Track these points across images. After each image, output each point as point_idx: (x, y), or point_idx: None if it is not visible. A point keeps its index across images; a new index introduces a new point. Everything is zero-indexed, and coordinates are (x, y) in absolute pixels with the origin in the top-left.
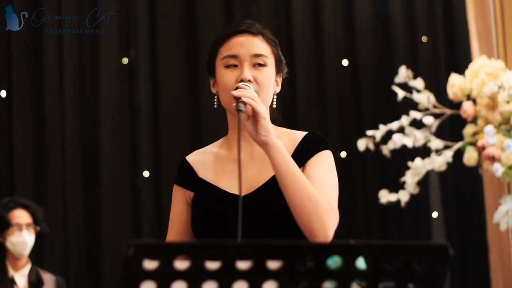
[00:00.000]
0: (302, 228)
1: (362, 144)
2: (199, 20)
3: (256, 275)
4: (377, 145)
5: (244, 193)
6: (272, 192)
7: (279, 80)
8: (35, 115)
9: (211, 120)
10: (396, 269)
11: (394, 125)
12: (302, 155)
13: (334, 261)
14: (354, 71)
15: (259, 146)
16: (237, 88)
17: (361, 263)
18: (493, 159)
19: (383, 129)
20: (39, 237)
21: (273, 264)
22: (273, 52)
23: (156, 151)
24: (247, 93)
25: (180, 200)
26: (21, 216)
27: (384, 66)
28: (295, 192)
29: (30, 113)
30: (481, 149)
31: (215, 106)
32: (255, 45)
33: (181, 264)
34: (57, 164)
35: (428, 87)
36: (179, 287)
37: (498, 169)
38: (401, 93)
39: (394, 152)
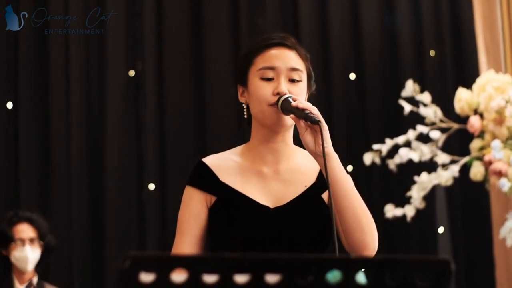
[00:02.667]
0: (351, 240)
1: (368, 158)
2: (206, 33)
3: None
4: (384, 159)
5: (273, 206)
6: (303, 207)
7: (306, 96)
8: (41, 128)
9: (218, 133)
10: (397, 284)
11: (400, 139)
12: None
13: (334, 276)
14: (361, 85)
15: (315, 157)
16: (279, 99)
17: (361, 277)
18: (500, 174)
19: (389, 143)
20: (46, 250)
21: (272, 278)
22: (306, 67)
23: (162, 164)
24: (308, 104)
25: (197, 203)
26: (24, 230)
27: (391, 80)
28: (351, 204)
29: (36, 126)
30: (487, 164)
31: (245, 116)
32: (291, 58)
33: (178, 277)
34: (62, 176)
35: (435, 101)
36: None
37: (505, 184)
38: (407, 107)
39: (400, 166)
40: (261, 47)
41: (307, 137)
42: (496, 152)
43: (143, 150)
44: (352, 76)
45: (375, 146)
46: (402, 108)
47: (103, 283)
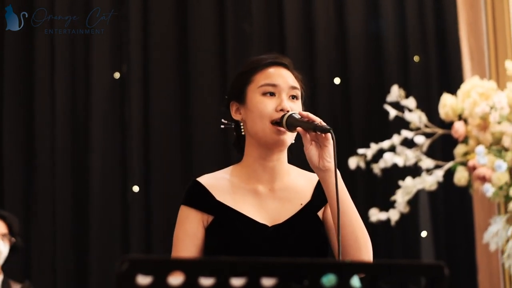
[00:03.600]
0: (347, 256)
1: (353, 162)
2: (191, 36)
3: None
4: (368, 163)
5: (270, 224)
6: (300, 225)
7: None
8: (25, 129)
9: (202, 136)
10: None
11: (385, 144)
12: (322, 197)
13: (329, 280)
14: (346, 90)
15: (318, 172)
16: (283, 116)
17: (355, 281)
18: (483, 179)
19: (374, 147)
20: (13, 249)
21: (267, 282)
22: (301, 87)
23: (147, 166)
24: (315, 116)
25: (193, 223)
26: None
27: (376, 85)
28: (350, 221)
29: (20, 127)
30: (472, 169)
31: (243, 133)
32: (290, 77)
33: (174, 280)
34: (46, 178)
35: (419, 106)
36: None
37: (489, 189)
38: (393, 112)
39: (383, 170)
40: (261, 66)
41: (312, 151)
42: (481, 157)
43: (128, 152)
44: (337, 80)
45: (360, 151)
46: (386, 113)
47: (87, 285)
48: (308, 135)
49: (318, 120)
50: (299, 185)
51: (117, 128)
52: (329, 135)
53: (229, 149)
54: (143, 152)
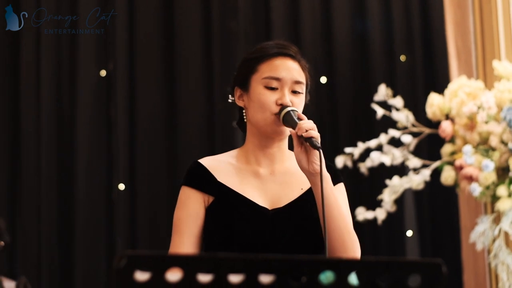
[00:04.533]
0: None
1: (340, 161)
2: (178, 34)
3: None
4: (355, 162)
5: (270, 207)
6: (300, 210)
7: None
8: (10, 127)
9: (188, 134)
10: (388, 286)
11: (372, 143)
12: None
13: (326, 277)
14: (332, 89)
15: (307, 175)
16: (282, 110)
17: (353, 279)
18: (470, 179)
19: (361, 146)
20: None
21: (265, 278)
22: (306, 78)
23: (132, 164)
24: (311, 125)
25: (195, 203)
26: None
27: (362, 84)
28: (337, 224)
29: (5, 125)
30: (459, 169)
31: (245, 120)
32: (295, 70)
33: (172, 276)
34: (31, 175)
35: (405, 105)
36: None
37: (476, 189)
38: (380, 111)
39: (369, 169)
40: (266, 55)
41: (301, 154)
42: (468, 157)
43: (114, 150)
44: (323, 79)
45: (347, 150)
46: (372, 112)
47: (72, 282)
48: (297, 139)
49: (312, 129)
50: (299, 170)
51: (103, 126)
52: (316, 152)
53: (215, 147)
54: (129, 150)
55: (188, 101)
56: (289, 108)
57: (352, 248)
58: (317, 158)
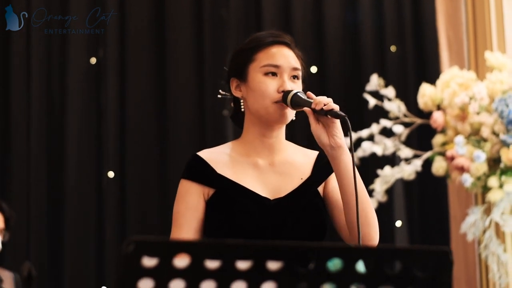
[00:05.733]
0: (355, 232)
1: None
2: (168, 22)
3: (256, 276)
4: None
5: (271, 198)
6: (300, 200)
7: None
8: (0, 114)
9: (178, 122)
10: (396, 273)
11: (364, 133)
12: (321, 172)
13: (334, 264)
14: (323, 78)
15: (328, 150)
16: (287, 95)
17: (361, 266)
18: (462, 169)
19: (353, 136)
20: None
21: (273, 265)
22: (302, 67)
23: (122, 152)
24: (328, 98)
25: (194, 196)
26: None
27: (353, 74)
28: (361, 198)
29: None
30: (450, 159)
31: (242, 109)
32: (292, 57)
33: (180, 262)
34: (21, 163)
35: (396, 96)
36: (177, 286)
37: (467, 180)
38: (372, 101)
39: (360, 159)
40: (263, 44)
41: (319, 130)
42: (459, 147)
43: (104, 137)
44: (314, 69)
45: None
46: (363, 102)
47: (61, 270)
48: (313, 116)
49: (329, 102)
50: (298, 160)
51: (92, 113)
52: (337, 125)
53: (205, 135)
54: (119, 137)
55: (179, 88)
56: (294, 91)
57: (374, 221)
58: (338, 130)
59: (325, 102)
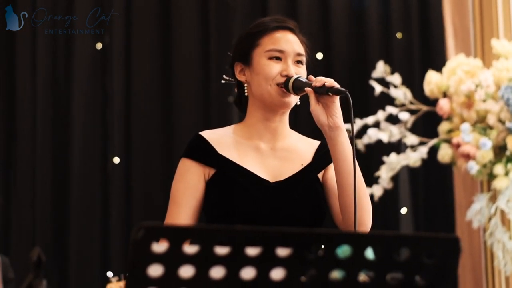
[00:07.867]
0: (349, 216)
1: None
2: (174, 6)
3: (265, 262)
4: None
5: (271, 180)
6: (300, 184)
7: None
8: (6, 99)
9: (184, 107)
10: (404, 261)
11: (370, 120)
12: (322, 160)
13: (343, 250)
14: (328, 65)
15: (326, 130)
16: (289, 80)
17: (369, 253)
18: (468, 156)
19: (358, 123)
20: None
21: (282, 251)
22: (306, 52)
23: (128, 138)
24: (329, 78)
25: (194, 175)
26: None
27: (359, 61)
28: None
29: (1, 95)
30: (456, 147)
31: (246, 94)
32: (296, 43)
33: (190, 249)
34: (27, 148)
35: (402, 83)
36: (187, 271)
37: (473, 167)
38: (378, 88)
39: (366, 146)
40: (267, 29)
41: (319, 110)
42: (465, 135)
43: (109, 123)
44: (319, 55)
45: (344, 126)
46: (369, 88)
47: (66, 256)
48: (314, 96)
49: (335, 84)
50: (299, 147)
51: (98, 99)
52: (336, 104)
53: (211, 121)
54: (124, 123)
55: (184, 74)
56: (295, 76)
57: (368, 205)
58: (338, 110)
59: (326, 80)
